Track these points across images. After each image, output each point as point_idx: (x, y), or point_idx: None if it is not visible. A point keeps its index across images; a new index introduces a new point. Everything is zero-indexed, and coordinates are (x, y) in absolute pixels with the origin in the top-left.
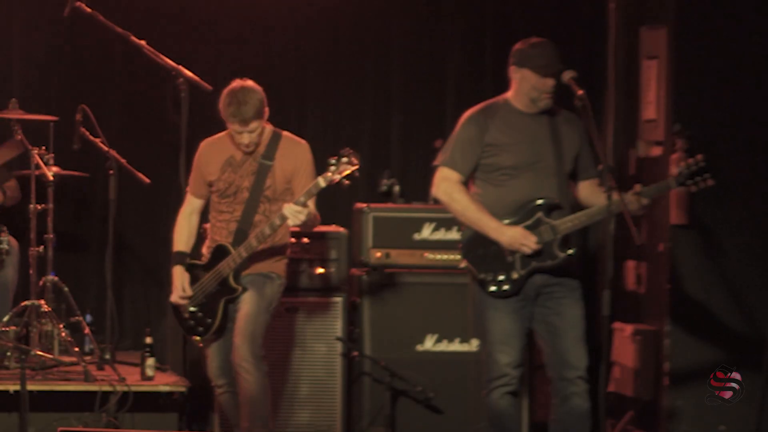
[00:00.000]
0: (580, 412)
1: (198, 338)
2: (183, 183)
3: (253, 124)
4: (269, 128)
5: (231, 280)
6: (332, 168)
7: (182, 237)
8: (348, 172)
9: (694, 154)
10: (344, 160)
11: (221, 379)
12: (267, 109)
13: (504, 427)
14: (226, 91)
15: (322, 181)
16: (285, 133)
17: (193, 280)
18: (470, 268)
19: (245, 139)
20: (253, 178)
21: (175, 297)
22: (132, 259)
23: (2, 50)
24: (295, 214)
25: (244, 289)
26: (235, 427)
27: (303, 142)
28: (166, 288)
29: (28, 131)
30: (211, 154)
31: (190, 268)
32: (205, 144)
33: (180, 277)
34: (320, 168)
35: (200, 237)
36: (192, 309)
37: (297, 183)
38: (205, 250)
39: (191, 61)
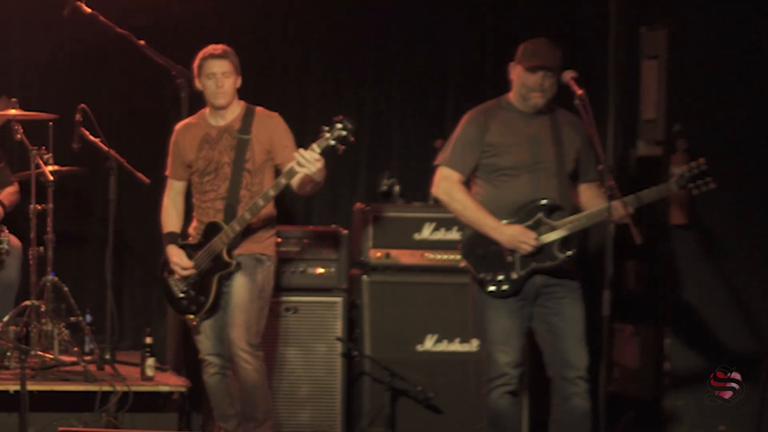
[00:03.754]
0: (580, 412)
1: (192, 316)
2: None
3: (226, 65)
4: (242, 104)
5: (225, 255)
6: (326, 134)
7: (171, 219)
8: (340, 135)
9: (694, 154)
10: (338, 125)
11: (215, 358)
12: (240, 77)
13: (503, 427)
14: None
15: (317, 147)
16: (258, 108)
17: None
18: (470, 267)
19: (219, 80)
20: (233, 153)
21: (178, 273)
22: (132, 259)
23: (2, 50)
24: (308, 161)
25: (238, 264)
26: (219, 414)
27: (275, 113)
28: None
29: (28, 131)
30: (186, 135)
31: (182, 248)
32: (179, 127)
33: (177, 253)
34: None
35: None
36: (185, 288)
37: (278, 150)
38: (192, 231)
39: (191, 61)
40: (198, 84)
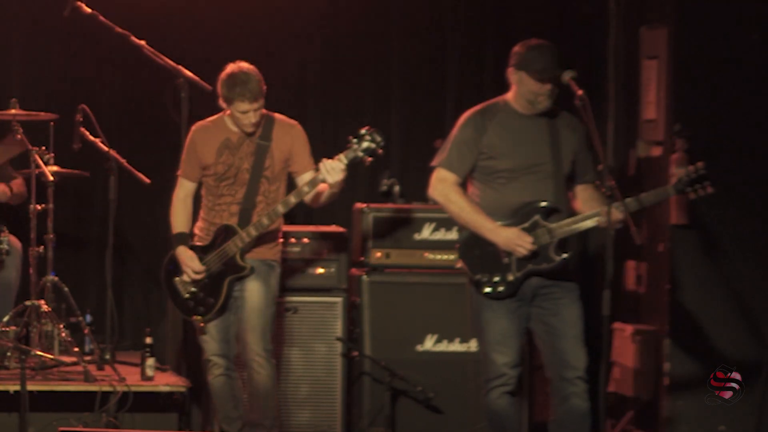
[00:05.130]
0: (579, 412)
1: (199, 318)
2: None
3: (260, 101)
4: (263, 111)
5: (238, 259)
6: (354, 145)
7: (181, 219)
8: (369, 147)
9: (694, 154)
10: (367, 137)
11: (220, 359)
12: (265, 87)
13: (503, 427)
14: (224, 75)
15: (344, 158)
16: (277, 115)
17: None
18: (466, 269)
19: (252, 118)
20: (253, 159)
21: (188, 276)
22: (132, 259)
23: (2, 50)
24: (334, 170)
25: (252, 269)
26: (223, 417)
27: (295, 122)
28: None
29: (28, 131)
30: (206, 138)
31: (191, 249)
32: (197, 128)
33: (189, 255)
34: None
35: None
36: (193, 289)
37: (296, 160)
38: (198, 231)
39: (191, 61)
40: (222, 104)
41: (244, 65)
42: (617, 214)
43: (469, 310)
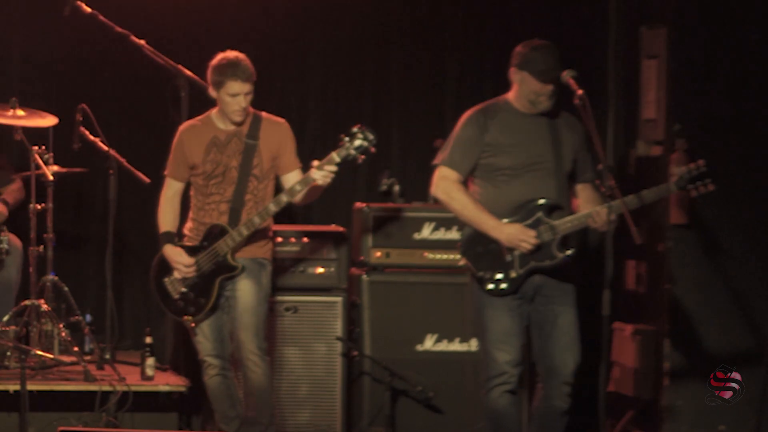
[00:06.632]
0: (559, 411)
1: (189, 318)
2: None
3: (251, 85)
4: (250, 110)
5: (230, 259)
6: (347, 144)
7: (167, 219)
8: (362, 145)
9: (694, 154)
10: (359, 135)
11: (215, 360)
12: (255, 77)
13: (503, 426)
14: (214, 61)
15: (336, 156)
16: (264, 113)
17: None
18: (469, 266)
19: (242, 102)
20: (241, 157)
21: (180, 271)
22: (132, 259)
23: (2, 50)
24: (325, 175)
25: (243, 268)
26: (220, 416)
27: (282, 120)
28: None
29: (28, 131)
30: (194, 137)
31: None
32: (185, 127)
33: (177, 252)
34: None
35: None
36: (183, 289)
37: (282, 159)
38: (187, 232)
39: (191, 61)
40: (212, 93)
41: (234, 52)
42: (604, 213)
43: (471, 307)
